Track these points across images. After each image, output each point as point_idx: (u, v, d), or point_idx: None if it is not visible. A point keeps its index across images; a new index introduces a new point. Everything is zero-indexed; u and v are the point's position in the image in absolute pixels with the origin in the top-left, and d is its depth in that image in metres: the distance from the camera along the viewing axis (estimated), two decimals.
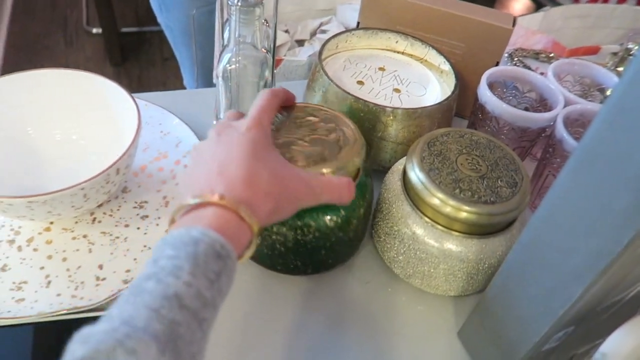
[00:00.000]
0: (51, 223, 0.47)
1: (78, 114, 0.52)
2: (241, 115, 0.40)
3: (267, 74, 0.50)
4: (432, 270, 0.43)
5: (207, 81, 1.10)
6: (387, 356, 0.42)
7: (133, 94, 0.49)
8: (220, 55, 0.49)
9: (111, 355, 0.23)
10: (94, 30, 1.95)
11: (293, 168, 0.37)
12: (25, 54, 1.84)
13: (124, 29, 1.93)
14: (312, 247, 0.43)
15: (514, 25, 0.57)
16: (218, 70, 0.49)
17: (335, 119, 0.44)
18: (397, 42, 0.60)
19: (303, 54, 0.87)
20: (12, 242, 0.45)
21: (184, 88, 1.13)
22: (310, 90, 0.55)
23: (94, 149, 0.51)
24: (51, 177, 0.50)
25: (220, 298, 0.29)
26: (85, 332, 0.24)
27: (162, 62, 1.93)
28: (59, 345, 0.24)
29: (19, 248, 0.45)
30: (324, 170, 0.39)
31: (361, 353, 0.42)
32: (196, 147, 0.37)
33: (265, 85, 0.51)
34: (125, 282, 0.43)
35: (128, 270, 0.44)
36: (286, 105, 0.44)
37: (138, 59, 1.90)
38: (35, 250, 0.45)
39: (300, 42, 0.95)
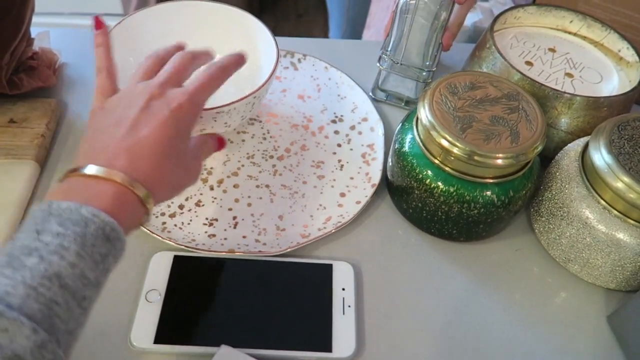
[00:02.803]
0: (238, 168, 0.50)
1: (222, 46, 0.53)
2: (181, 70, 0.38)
3: (444, 15, 0.51)
4: (598, 260, 0.42)
5: (355, 36, 1.10)
6: (528, 328, 0.42)
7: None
8: None
9: None
10: None
11: (188, 156, 0.36)
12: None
13: None
14: (472, 221, 0.44)
15: None
16: (399, 1, 0.51)
17: (518, 97, 0.44)
18: (571, 21, 0.56)
19: (468, 19, 0.84)
20: (205, 180, 0.49)
21: None
22: (474, 63, 0.53)
23: (232, 81, 0.54)
24: None
25: (104, 277, 0.29)
26: None
27: (296, 18, 1.96)
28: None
29: (211, 187, 0.49)
30: (500, 155, 0.40)
31: (497, 320, 0.42)
32: (120, 97, 0.36)
33: (439, 28, 0.52)
34: (303, 236, 0.45)
35: (305, 226, 0.46)
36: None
37: (274, 12, 1.94)
38: (224, 191, 0.49)
39: None
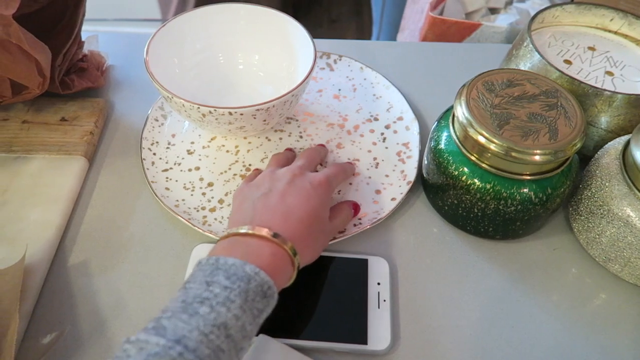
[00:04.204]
0: None
1: (260, 48, 0.56)
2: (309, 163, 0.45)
3: None
4: None
5: (388, 39, 1.11)
6: (565, 329, 0.41)
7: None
8: None
9: None
10: None
11: (327, 224, 0.41)
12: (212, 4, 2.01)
13: None
14: (509, 218, 0.44)
15: None
16: None
17: (556, 93, 0.44)
18: (611, 20, 0.55)
19: (501, 21, 0.83)
20: (244, 176, 0.51)
21: None
22: (510, 62, 0.53)
23: (269, 81, 0.56)
24: (229, 101, 0.55)
25: (256, 330, 0.33)
26: (141, 338, 0.28)
27: (329, 24, 1.98)
28: None
29: None
30: (538, 151, 0.39)
31: (534, 319, 0.41)
32: (268, 176, 0.42)
33: None
34: (339, 231, 0.46)
35: None
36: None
37: (308, 18, 1.97)
38: None
39: (493, 10, 0.92)
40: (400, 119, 0.56)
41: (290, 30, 0.53)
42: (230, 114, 0.44)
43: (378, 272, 0.43)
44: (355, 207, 0.46)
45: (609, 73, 0.51)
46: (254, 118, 0.46)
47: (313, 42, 0.50)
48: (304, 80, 0.47)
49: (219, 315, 0.30)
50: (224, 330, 0.30)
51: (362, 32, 1.22)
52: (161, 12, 1.55)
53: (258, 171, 0.48)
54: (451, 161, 0.44)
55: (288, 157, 0.48)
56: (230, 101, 0.55)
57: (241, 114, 0.44)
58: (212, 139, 0.54)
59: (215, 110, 0.44)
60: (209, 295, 0.31)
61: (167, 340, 0.28)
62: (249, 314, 0.32)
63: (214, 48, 0.56)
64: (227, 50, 0.57)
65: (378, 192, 0.50)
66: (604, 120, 0.48)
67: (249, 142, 0.54)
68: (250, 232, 0.36)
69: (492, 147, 0.40)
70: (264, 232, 0.35)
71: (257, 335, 0.39)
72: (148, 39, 0.49)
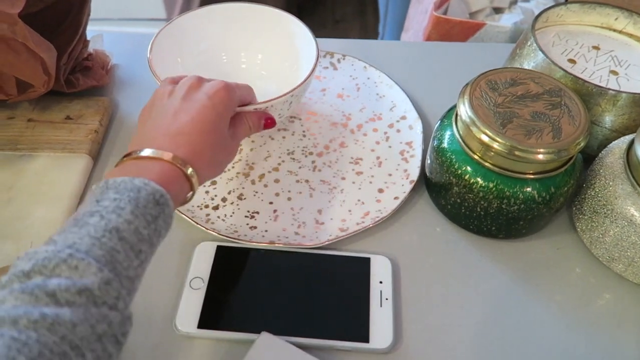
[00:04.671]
0: (279, 164, 0.52)
1: (263, 47, 0.56)
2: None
3: None
4: None
5: (392, 39, 1.11)
6: (569, 329, 0.41)
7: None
8: None
9: (56, 270, 0.27)
10: None
11: (227, 137, 0.40)
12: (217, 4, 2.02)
13: None
14: (512, 217, 0.44)
15: None
16: None
17: (560, 92, 0.44)
18: (616, 19, 0.54)
19: (505, 21, 0.83)
20: (247, 175, 0.51)
21: None
22: (514, 61, 0.53)
23: (272, 80, 0.56)
24: None
25: (156, 237, 0.33)
26: (30, 251, 0.28)
27: (333, 24, 1.98)
28: None
29: (253, 182, 0.50)
30: (541, 150, 0.39)
31: (537, 319, 0.41)
32: (161, 93, 0.40)
33: None
34: (342, 229, 0.46)
35: (343, 220, 0.47)
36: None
37: (312, 18, 1.98)
38: (265, 186, 0.50)
39: (498, 10, 0.92)
40: (403, 118, 0.56)
41: (293, 30, 0.53)
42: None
43: (380, 271, 0.43)
44: (268, 120, 0.45)
45: (614, 72, 0.51)
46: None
47: (316, 42, 0.50)
48: (304, 81, 0.47)
49: (110, 221, 0.30)
50: (116, 234, 0.30)
51: (366, 32, 1.22)
52: (166, 12, 1.55)
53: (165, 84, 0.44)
54: (454, 160, 0.44)
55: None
56: None
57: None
58: None
59: None
60: (98, 208, 0.31)
61: (56, 246, 0.28)
62: (142, 219, 0.31)
63: (217, 47, 0.56)
64: (230, 49, 0.57)
65: (381, 190, 0.50)
66: (608, 119, 0.48)
67: (252, 141, 0.54)
68: (139, 155, 0.35)
69: (496, 145, 0.40)
70: (149, 152, 0.35)
71: (259, 333, 0.39)
72: (152, 38, 0.50)
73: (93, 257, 0.28)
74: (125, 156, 0.36)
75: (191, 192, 0.37)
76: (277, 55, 0.56)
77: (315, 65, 0.48)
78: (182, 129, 0.37)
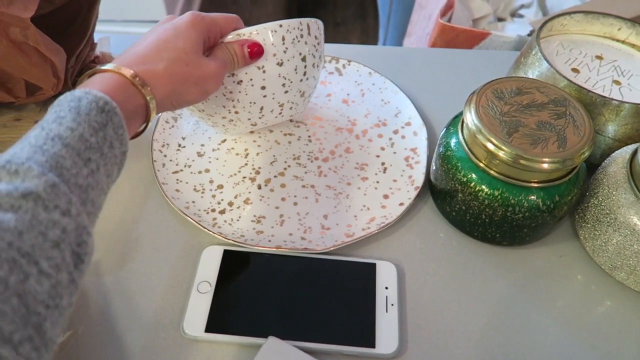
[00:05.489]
0: (285, 169, 0.52)
1: None
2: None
3: None
4: None
5: (395, 44, 1.12)
6: (571, 336, 0.42)
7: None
8: None
9: None
10: None
11: (203, 58, 0.39)
12: (217, 7, 2.02)
13: None
14: (516, 225, 0.44)
15: None
16: None
17: (565, 102, 0.44)
18: (619, 29, 0.55)
19: (509, 31, 0.84)
20: (253, 179, 0.51)
21: None
22: (518, 70, 0.54)
23: None
24: None
25: (108, 147, 0.31)
26: None
27: (334, 27, 1.99)
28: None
29: (259, 186, 0.51)
30: (546, 160, 0.40)
31: (540, 326, 0.42)
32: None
33: None
34: (347, 235, 0.47)
35: (349, 226, 0.48)
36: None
37: None
38: (271, 190, 0.50)
39: (500, 19, 0.92)
40: (408, 124, 0.56)
41: None
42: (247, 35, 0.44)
43: (386, 277, 0.44)
44: (252, 47, 0.43)
45: (617, 82, 0.52)
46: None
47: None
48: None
49: (51, 130, 0.29)
50: (59, 140, 0.28)
51: (367, 35, 1.23)
52: (167, 14, 1.56)
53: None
54: (460, 167, 0.45)
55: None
56: None
57: (257, 33, 0.43)
58: (222, 142, 0.54)
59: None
60: (40, 124, 0.30)
61: None
62: (87, 126, 0.30)
63: None
64: None
65: (386, 197, 0.50)
66: (611, 128, 0.48)
67: (258, 145, 0.54)
68: (100, 69, 0.35)
69: (501, 154, 0.41)
70: (112, 67, 0.35)
71: (266, 337, 0.39)
72: None
73: (35, 162, 0.27)
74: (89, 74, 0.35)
75: (145, 105, 0.36)
76: None
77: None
78: (135, 49, 0.37)
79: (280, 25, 0.44)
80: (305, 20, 0.46)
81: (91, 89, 0.32)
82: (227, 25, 0.43)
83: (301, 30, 0.46)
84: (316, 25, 0.48)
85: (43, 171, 0.26)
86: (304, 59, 0.46)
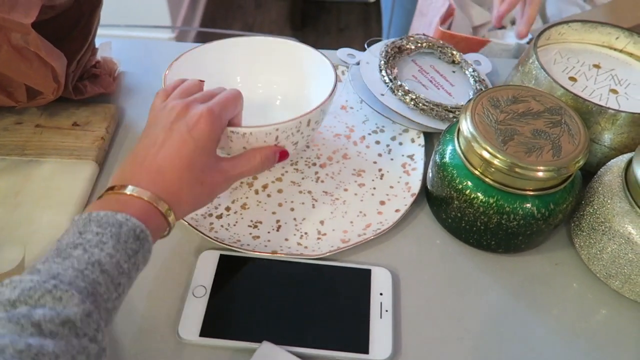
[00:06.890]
0: (282, 174, 0.52)
1: (279, 75, 0.56)
2: (201, 88, 0.44)
3: None
4: None
5: None
6: (566, 344, 0.42)
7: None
8: None
9: (41, 300, 0.28)
10: None
11: (218, 164, 0.41)
12: (221, 11, 2.04)
13: None
14: (511, 232, 0.44)
15: None
16: None
17: (560, 111, 0.44)
18: (617, 38, 0.56)
19: (509, 38, 0.84)
20: (251, 184, 0.52)
21: None
22: (516, 78, 0.54)
23: (287, 106, 0.56)
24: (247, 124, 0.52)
25: (135, 270, 0.34)
26: (15, 279, 0.29)
27: (338, 32, 2.00)
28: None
29: (256, 192, 0.51)
30: (541, 168, 0.40)
31: (535, 333, 0.42)
32: (155, 109, 0.42)
33: None
34: (343, 241, 0.47)
35: (345, 231, 0.48)
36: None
37: (316, 26, 1.99)
38: (268, 196, 0.51)
39: (500, 27, 0.93)
40: (405, 131, 0.56)
41: (307, 58, 0.54)
42: (243, 135, 0.44)
43: (381, 283, 0.44)
44: (284, 155, 0.45)
45: (614, 91, 0.52)
46: (265, 142, 0.45)
47: (335, 71, 0.50)
48: (314, 109, 0.46)
49: (92, 255, 0.32)
50: (99, 267, 0.31)
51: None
52: (171, 19, 1.57)
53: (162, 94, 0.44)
54: (455, 174, 0.45)
55: (190, 88, 0.44)
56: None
57: (250, 134, 0.44)
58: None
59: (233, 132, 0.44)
60: (81, 241, 0.32)
61: (41, 276, 0.30)
62: (123, 253, 0.33)
63: (232, 70, 0.56)
64: (246, 73, 0.56)
65: (382, 203, 0.50)
66: (607, 137, 0.48)
67: None
68: (120, 192, 0.36)
69: (496, 162, 0.41)
70: (130, 190, 0.36)
71: (260, 342, 0.39)
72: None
73: (76, 288, 0.30)
74: (108, 189, 0.37)
75: (168, 228, 0.38)
76: (291, 84, 0.56)
77: (333, 91, 0.48)
78: (160, 167, 0.38)
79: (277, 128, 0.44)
80: (306, 118, 0.46)
81: (130, 215, 0.34)
82: (233, 111, 0.43)
83: (303, 124, 0.46)
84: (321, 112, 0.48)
85: (82, 299, 0.29)
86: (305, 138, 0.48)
